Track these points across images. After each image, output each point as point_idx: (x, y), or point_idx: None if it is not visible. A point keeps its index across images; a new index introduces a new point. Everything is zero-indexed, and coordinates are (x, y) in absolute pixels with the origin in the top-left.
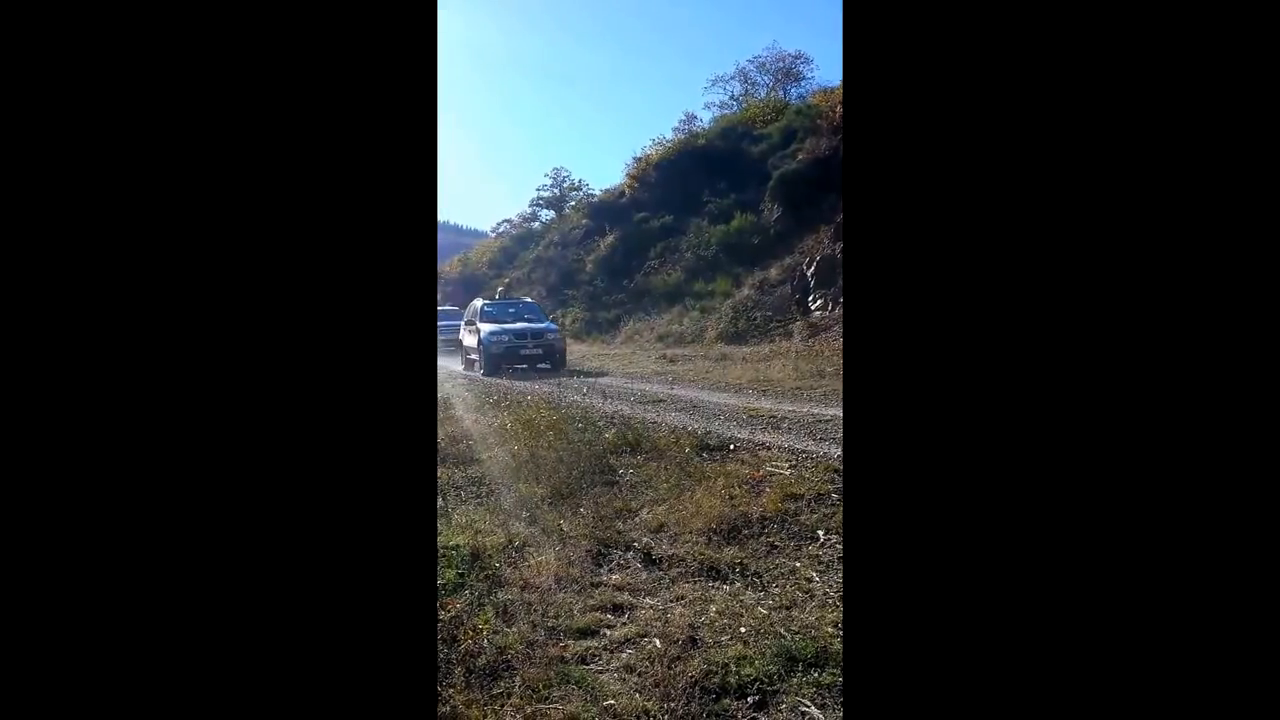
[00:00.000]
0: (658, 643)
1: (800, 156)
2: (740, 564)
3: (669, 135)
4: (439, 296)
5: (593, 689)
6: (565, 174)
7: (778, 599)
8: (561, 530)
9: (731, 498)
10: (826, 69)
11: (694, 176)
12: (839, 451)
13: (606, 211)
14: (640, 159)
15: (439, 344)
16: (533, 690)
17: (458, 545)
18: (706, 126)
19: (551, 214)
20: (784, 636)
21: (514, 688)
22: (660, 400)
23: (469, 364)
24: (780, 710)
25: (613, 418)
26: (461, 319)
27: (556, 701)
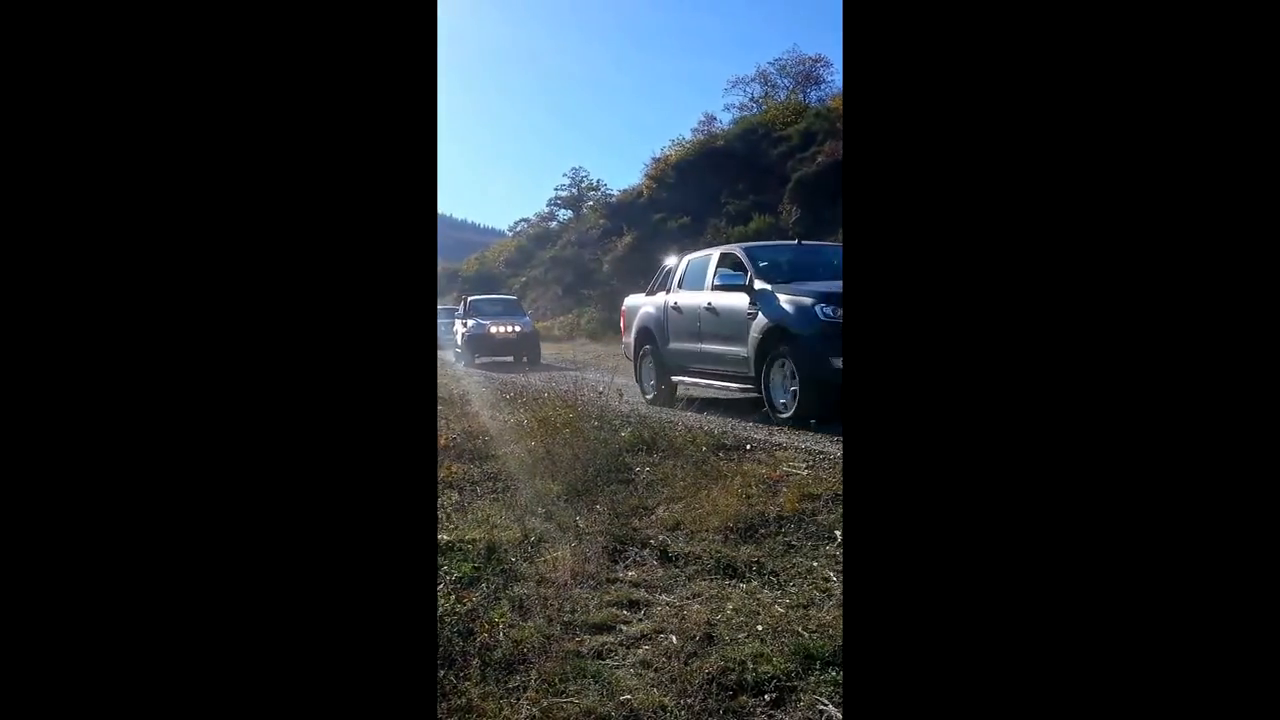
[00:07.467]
0: (674, 639)
1: (819, 159)
2: (757, 562)
3: (688, 136)
4: (455, 295)
5: (609, 684)
6: (583, 174)
7: (795, 597)
8: (577, 526)
9: (748, 497)
10: None
11: (713, 178)
12: None
13: (624, 212)
14: (659, 159)
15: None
16: (548, 684)
17: (474, 539)
18: (726, 128)
19: (569, 214)
20: (801, 635)
21: (530, 681)
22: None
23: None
24: (798, 708)
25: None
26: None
27: (572, 695)
